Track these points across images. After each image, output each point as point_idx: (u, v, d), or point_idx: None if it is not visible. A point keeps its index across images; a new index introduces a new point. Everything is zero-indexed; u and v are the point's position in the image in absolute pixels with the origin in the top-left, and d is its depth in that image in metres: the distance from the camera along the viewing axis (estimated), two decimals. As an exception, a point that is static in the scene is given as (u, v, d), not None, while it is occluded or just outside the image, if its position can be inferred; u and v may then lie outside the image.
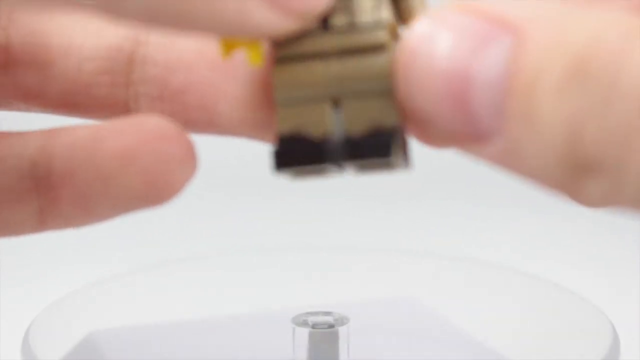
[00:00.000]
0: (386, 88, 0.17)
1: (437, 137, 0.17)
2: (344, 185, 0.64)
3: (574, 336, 0.32)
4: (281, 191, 0.65)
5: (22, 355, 0.29)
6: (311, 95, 0.18)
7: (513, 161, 0.16)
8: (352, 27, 0.18)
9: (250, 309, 0.38)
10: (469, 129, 0.16)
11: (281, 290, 0.38)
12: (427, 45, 0.16)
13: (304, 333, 0.32)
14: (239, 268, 0.39)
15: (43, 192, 0.20)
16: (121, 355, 0.34)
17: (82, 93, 0.21)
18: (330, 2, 0.17)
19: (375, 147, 0.17)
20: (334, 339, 0.32)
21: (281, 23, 0.17)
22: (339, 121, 0.18)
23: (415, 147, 0.18)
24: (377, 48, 0.17)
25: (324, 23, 0.18)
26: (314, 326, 0.32)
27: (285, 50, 0.18)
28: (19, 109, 0.22)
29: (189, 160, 0.19)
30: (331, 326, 0.32)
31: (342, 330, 0.32)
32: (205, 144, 0.21)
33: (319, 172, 0.18)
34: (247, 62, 0.19)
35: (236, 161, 0.68)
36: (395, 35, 0.18)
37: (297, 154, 0.18)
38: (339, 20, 0.18)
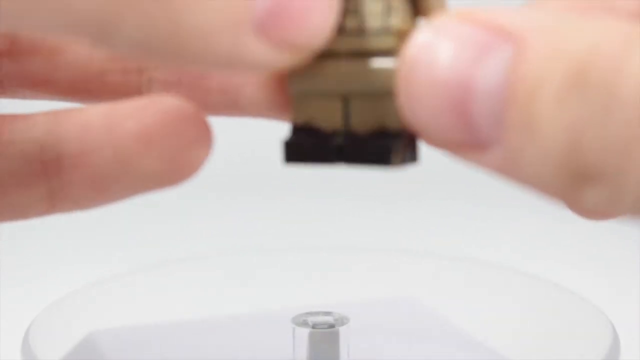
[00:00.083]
0: (391, 91, 0.18)
1: (436, 144, 0.17)
2: (344, 185, 0.64)
3: (574, 336, 0.32)
4: (281, 191, 0.65)
5: (22, 355, 0.29)
6: (322, 91, 0.18)
7: (513, 170, 0.16)
8: (362, 31, 0.18)
9: (250, 309, 0.38)
10: (468, 138, 0.16)
11: (281, 290, 0.38)
12: (427, 54, 0.16)
13: (304, 333, 0.32)
14: (238, 268, 0.39)
15: (52, 175, 0.20)
16: (121, 355, 0.34)
17: (94, 80, 0.21)
18: (327, 37, 0.17)
19: (376, 152, 0.18)
20: (334, 339, 0.32)
21: (277, 58, 0.17)
22: (347, 119, 0.18)
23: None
24: (384, 53, 0.18)
25: (338, 24, 0.18)
26: (314, 326, 0.32)
27: None
28: (25, 97, 0.22)
29: (206, 140, 0.19)
30: (331, 326, 0.32)
31: (342, 330, 0.32)
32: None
33: (326, 164, 0.19)
34: None
35: (236, 161, 0.68)
36: (406, 37, 0.18)
37: (307, 149, 0.19)
38: (350, 23, 0.18)
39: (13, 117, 0.21)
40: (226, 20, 0.16)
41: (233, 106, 0.21)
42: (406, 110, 0.17)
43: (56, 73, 0.22)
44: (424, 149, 0.19)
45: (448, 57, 0.16)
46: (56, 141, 0.20)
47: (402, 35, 0.18)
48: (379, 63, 0.18)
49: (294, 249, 0.41)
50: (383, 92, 0.18)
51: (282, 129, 0.20)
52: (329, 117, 0.19)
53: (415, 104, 0.16)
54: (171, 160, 0.19)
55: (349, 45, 0.18)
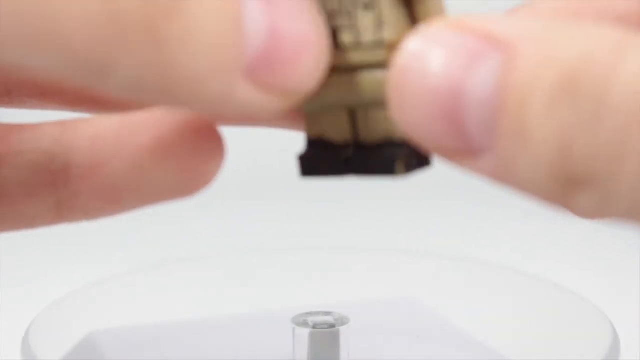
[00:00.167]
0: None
1: (429, 150, 0.17)
2: (344, 186, 0.64)
3: (574, 336, 0.32)
4: (281, 191, 0.65)
5: (22, 355, 0.29)
6: (330, 106, 0.19)
7: (505, 176, 0.16)
8: (359, 45, 0.18)
9: (250, 309, 0.38)
10: (461, 145, 0.16)
11: (281, 290, 0.38)
12: (418, 62, 0.16)
13: (304, 333, 0.32)
14: (239, 268, 0.39)
15: (61, 185, 0.20)
16: (121, 355, 0.34)
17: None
18: (318, 82, 0.18)
19: (380, 162, 0.18)
20: (334, 339, 0.32)
21: (268, 103, 0.17)
22: (356, 131, 0.19)
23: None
24: (379, 65, 0.18)
25: (336, 41, 0.18)
26: (314, 326, 0.32)
27: None
28: (34, 107, 0.22)
29: (218, 152, 0.19)
30: (331, 326, 0.32)
31: (342, 330, 0.32)
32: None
33: (337, 177, 0.19)
34: None
35: (236, 162, 0.68)
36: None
37: (319, 163, 0.19)
38: (348, 38, 0.18)
39: (22, 127, 0.21)
40: (216, 65, 0.16)
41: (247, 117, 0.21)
42: (398, 118, 0.17)
43: (64, 83, 0.22)
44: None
45: (439, 64, 0.16)
46: (65, 151, 0.20)
47: (396, 48, 0.18)
48: (374, 76, 0.18)
49: (294, 249, 0.41)
50: (382, 103, 0.18)
51: (281, 129, 0.20)
52: (339, 130, 0.19)
53: (406, 112, 0.17)
54: (184, 172, 0.19)
55: (348, 59, 0.18)
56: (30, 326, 0.31)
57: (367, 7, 0.18)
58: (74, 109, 0.22)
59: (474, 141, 0.16)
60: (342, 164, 0.19)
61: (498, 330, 0.35)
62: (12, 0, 0.15)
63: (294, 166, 0.20)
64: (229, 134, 0.21)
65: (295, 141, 0.22)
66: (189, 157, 0.19)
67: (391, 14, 0.18)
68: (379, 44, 0.18)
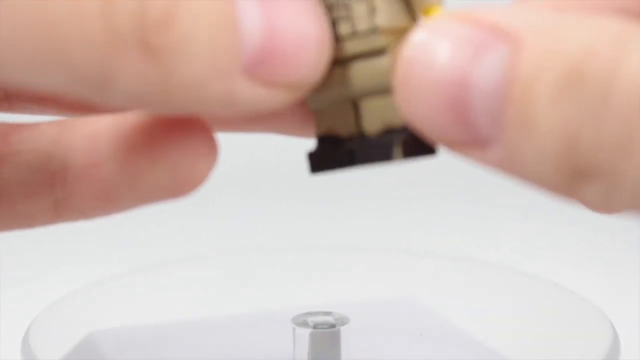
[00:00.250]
0: (388, 88, 0.18)
1: (436, 142, 0.17)
2: (344, 186, 0.64)
3: (574, 336, 0.32)
4: (281, 191, 0.65)
5: (22, 355, 0.29)
6: (335, 98, 0.19)
7: (512, 167, 0.16)
8: (355, 34, 0.18)
9: (250, 309, 0.38)
10: (467, 136, 0.16)
11: (281, 290, 0.38)
12: (424, 54, 0.16)
13: (304, 333, 0.32)
14: (239, 268, 0.39)
15: (58, 185, 0.20)
16: (121, 355, 0.34)
17: None
18: (321, 75, 0.18)
19: (379, 150, 0.18)
20: (335, 339, 0.32)
21: (273, 98, 0.17)
22: (359, 122, 0.19)
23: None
24: (377, 52, 0.18)
25: (335, 34, 0.18)
26: (315, 326, 0.32)
27: None
28: (33, 112, 0.22)
29: (211, 153, 0.19)
30: (332, 326, 0.32)
31: (342, 330, 0.32)
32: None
33: (344, 170, 0.19)
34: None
35: (236, 162, 0.68)
36: (403, 34, 0.18)
37: (326, 157, 0.19)
38: (345, 30, 0.18)
39: (21, 127, 0.21)
40: (214, 69, 0.17)
41: (259, 124, 0.21)
42: (404, 110, 0.17)
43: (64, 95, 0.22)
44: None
45: (445, 56, 0.16)
46: (63, 151, 0.20)
47: (394, 33, 0.18)
48: (370, 64, 0.18)
49: (294, 249, 0.41)
50: (381, 91, 0.18)
51: (291, 135, 0.20)
52: (344, 124, 0.19)
53: (413, 104, 0.17)
54: (178, 173, 0.19)
55: (347, 50, 0.18)
56: (30, 326, 0.31)
57: None
58: (72, 113, 0.22)
59: (480, 132, 0.16)
60: (346, 157, 0.19)
61: (498, 330, 0.35)
62: (12, 21, 0.15)
63: (294, 166, 0.20)
64: (229, 133, 0.21)
65: (295, 141, 0.22)
66: (180, 158, 0.19)
67: (384, 2, 0.18)
68: (373, 31, 0.18)
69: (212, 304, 0.38)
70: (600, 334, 0.30)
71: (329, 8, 0.18)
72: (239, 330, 0.37)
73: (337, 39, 0.18)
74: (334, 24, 0.18)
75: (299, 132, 0.21)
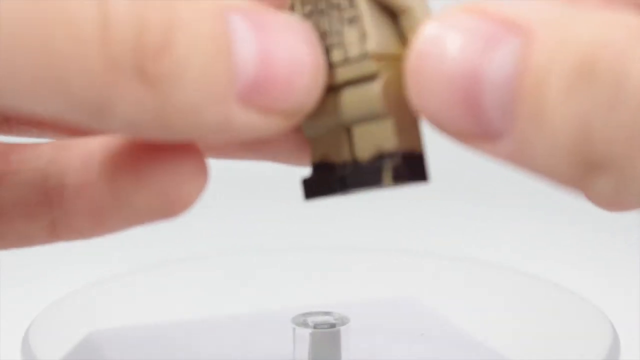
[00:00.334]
0: (381, 113, 0.18)
1: (447, 134, 0.17)
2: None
3: (574, 336, 0.32)
4: (281, 191, 0.65)
5: (22, 355, 0.29)
6: (329, 126, 0.19)
7: (523, 160, 0.16)
8: (346, 61, 0.18)
9: (250, 309, 0.38)
10: (479, 129, 0.16)
11: (281, 290, 0.38)
12: (436, 47, 0.16)
13: (304, 333, 0.32)
14: (238, 268, 0.39)
15: (56, 205, 0.20)
16: (121, 355, 0.34)
17: None
18: (315, 102, 0.18)
19: (369, 175, 0.19)
20: (335, 339, 0.32)
21: (268, 124, 0.17)
22: (352, 149, 0.19)
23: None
24: (368, 77, 0.18)
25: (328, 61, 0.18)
26: (315, 326, 0.32)
27: None
28: (32, 136, 0.23)
29: (200, 176, 0.19)
30: (332, 326, 0.32)
31: (342, 330, 0.32)
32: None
33: (337, 195, 0.20)
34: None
35: (236, 162, 0.68)
36: (394, 59, 0.18)
37: (319, 184, 0.19)
38: (337, 57, 0.18)
39: (20, 147, 0.21)
40: (209, 96, 0.17)
41: (254, 150, 0.21)
42: (416, 103, 0.17)
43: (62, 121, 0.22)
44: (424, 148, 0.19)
45: (456, 49, 0.16)
46: (60, 171, 0.20)
47: (385, 58, 0.18)
48: (361, 90, 0.18)
49: (294, 249, 0.41)
50: (373, 116, 0.18)
51: (287, 164, 0.20)
52: (338, 150, 0.19)
53: (424, 98, 0.17)
54: (166, 195, 0.19)
55: (340, 76, 0.18)
56: (30, 326, 0.31)
57: (352, 21, 0.18)
58: (70, 137, 0.22)
59: (491, 125, 0.16)
60: (338, 183, 0.19)
61: (498, 330, 0.35)
62: (12, 49, 0.15)
63: (294, 167, 0.20)
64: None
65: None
66: (169, 180, 0.19)
67: (374, 26, 0.18)
68: (363, 57, 0.18)
69: (212, 304, 0.38)
70: (600, 334, 0.30)
71: (323, 35, 0.18)
72: (239, 330, 0.37)
73: (331, 66, 0.18)
74: (327, 50, 0.18)
75: (294, 161, 0.21)
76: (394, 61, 0.18)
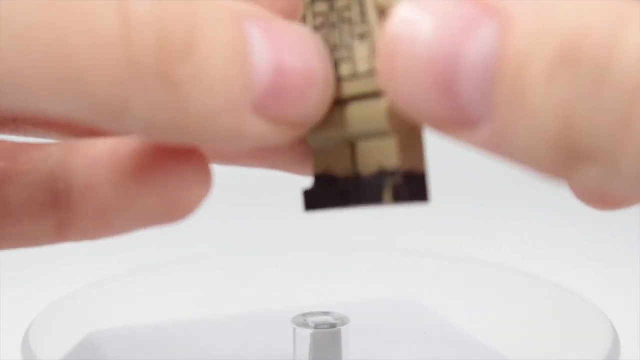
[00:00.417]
0: (386, 130, 0.18)
1: (423, 122, 0.17)
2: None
3: (574, 336, 0.32)
4: (281, 191, 0.65)
5: (22, 355, 0.29)
6: (333, 138, 0.19)
7: (503, 147, 0.16)
8: (354, 76, 0.18)
9: (250, 309, 0.38)
10: (455, 114, 0.16)
11: (281, 290, 0.38)
12: (409, 30, 0.16)
13: (304, 333, 0.32)
14: (239, 268, 0.39)
15: (62, 206, 0.20)
16: (121, 355, 0.34)
17: None
18: (323, 113, 0.18)
19: (370, 192, 0.19)
20: (335, 339, 0.32)
21: (277, 134, 0.18)
22: (355, 163, 0.19)
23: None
24: (375, 94, 0.18)
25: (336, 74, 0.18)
26: (316, 326, 0.32)
27: None
28: (39, 136, 0.23)
29: (204, 181, 0.19)
30: (332, 326, 0.32)
31: (342, 330, 0.32)
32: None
33: (337, 209, 0.20)
34: None
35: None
36: None
37: (321, 196, 0.20)
38: (346, 70, 0.18)
39: (29, 146, 0.21)
40: (226, 103, 0.17)
41: (258, 158, 0.21)
42: (389, 88, 0.16)
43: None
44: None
45: (430, 31, 0.16)
46: (67, 172, 0.20)
47: None
48: (367, 105, 0.18)
49: (294, 249, 0.41)
50: (377, 132, 0.18)
51: (288, 172, 0.20)
52: (341, 164, 0.19)
53: (397, 81, 0.16)
54: (170, 200, 0.19)
55: (347, 90, 0.18)
56: (30, 326, 0.31)
57: (362, 37, 0.18)
58: (76, 137, 0.22)
59: (469, 110, 0.16)
60: (339, 196, 0.19)
61: (498, 330, 0.35)
62: (34, 52, 0.15)
63: (295, 175, 0.20)
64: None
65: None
66: (173, 185, 0.19)
67: None
68: (372, 73, 0.18)
69: (212, 304, 0.38)
70: (600, 334, 0.30)
71: (333, 48, 0.18)
72: (239, 330, 0.37)
73: (339, 79, 0.18)
74: (336, 63, 0.18)
75: (296, 170, 0.21)
76: None
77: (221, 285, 0.38)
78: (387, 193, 0.18)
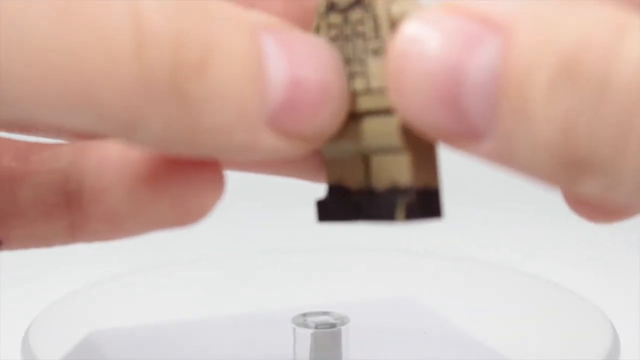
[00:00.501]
0: (398, 147, 0.18)
1: (430, 135, 0.17)
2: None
3: (574, 336, 0.32)
4: (281, 192, 0.65)
5: (22, 355, 0.29)
6: (347, 151, 0.19)
7: (507, 159, 0.16)
8: (368, 91, 0.18)
9: (250, 309, 0.38)
10: (461, 128, 0.16)
11: (281, 290, 0.38)
12: (416, 46, 0.16)
13: (304, 333, 0.32)
14: (239, 268, 0.39)
15: (74, 207, 0.20)
16: (121, 355, 0.34)
17: None
18: (337, 127, 0.18)
19: (383, 208, 0.19)
20: (335, 339, 0.32)
21: (291, 148, 0.18)
22: (368, 177, 0.19)
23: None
24: (388, 110, 0.18)
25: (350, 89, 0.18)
26: (316, 326, 0.32)
27: None
28: (48, 137, 0.23)
29: (217, 186, 0.19)
30: (332, 326, 0.32)
31: (342, 330, 0.32)
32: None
33: (350, 222, 0.20)
34: None
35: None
36: None
37: (334, 208, 0.20)
38: (360, 85, 0.18)
39: (41, 147, 0.21)
40: (240, 117, 0.17)
41: (271, 167, 0.21)
42: (397, 103, 0.17)
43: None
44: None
45: (436, 48, 0.16)
46: (79, 173, 0.20)
47: None
48: (380, 121, 0.18)
49: (293, 249, 0.41)
50: (390, 149, 0.18)
51: (301, 179, 0.20)
52: (354, 176, 0.19)
53: (406, 97, 0.16)
54: (182, 204, 0.19)
55: (362, 105, 0.18)
56: (30, 326, 0.31)
57: (376, 53, 0.18)
58: (89, 139, 0.22)
59: (474, 124, 0.16)
60: (352, 209, 0.19)
61: (498, 330, 0.35)
62: (43, 63, 0.15)
63: (308, 182, 0.20)
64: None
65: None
66: (185, 190, 0.19)
67: None
68: (385, 90, 0.18)
69: (212, 304, 0.38)
70: (600, 334, 0.30)
71: (347, 62, 0.18)
72: (239, 330, 0.37)
73: (352, 93, 0.18)
74: (350, 77, 0.18)
75: (310, 178, 0.21)
76: None
77: (221, 286, 0.38)
78: (400, 211, 0.18)
